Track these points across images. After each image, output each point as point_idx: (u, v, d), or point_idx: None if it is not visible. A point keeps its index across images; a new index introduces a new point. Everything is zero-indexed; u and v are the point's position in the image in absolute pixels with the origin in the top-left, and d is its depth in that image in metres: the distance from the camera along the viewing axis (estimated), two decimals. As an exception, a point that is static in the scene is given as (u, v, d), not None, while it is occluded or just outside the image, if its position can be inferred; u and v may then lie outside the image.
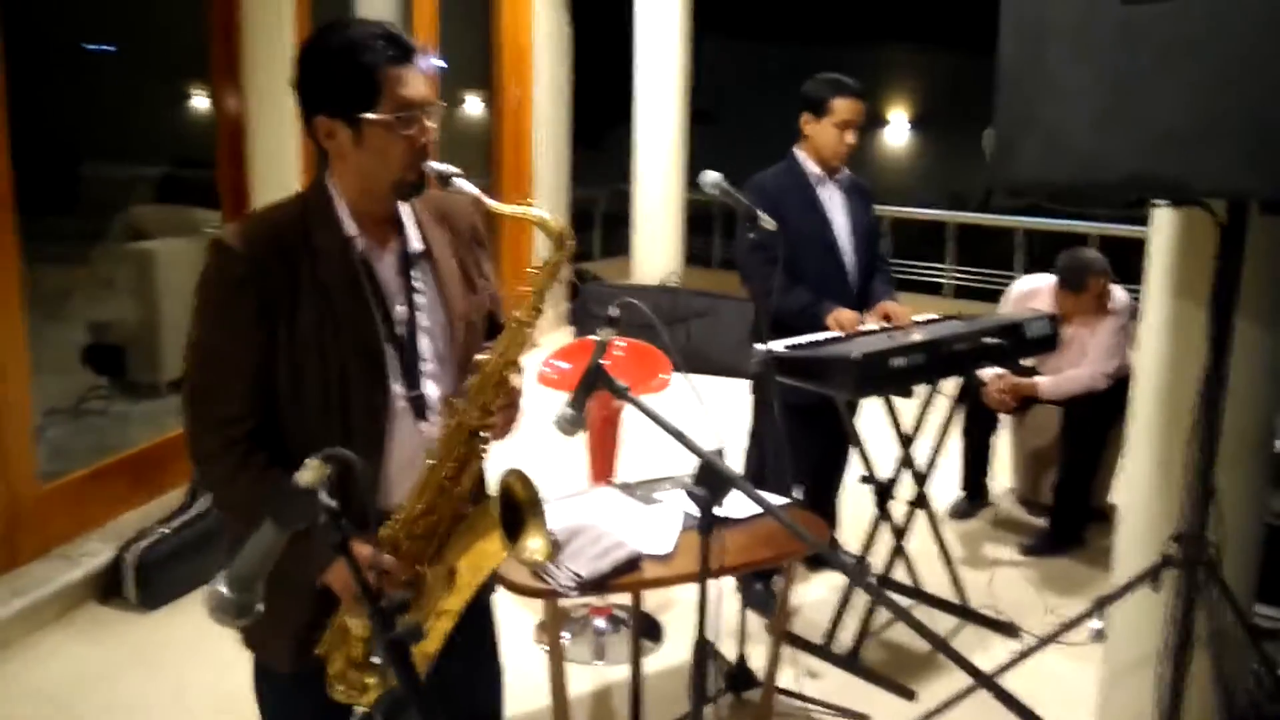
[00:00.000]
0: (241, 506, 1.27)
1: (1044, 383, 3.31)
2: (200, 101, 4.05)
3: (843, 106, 2.65)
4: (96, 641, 2.61)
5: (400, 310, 1.33)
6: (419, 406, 1.34)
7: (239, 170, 3.47)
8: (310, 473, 0.96)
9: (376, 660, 1.24)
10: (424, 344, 1.35)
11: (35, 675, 2.46)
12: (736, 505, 1.80)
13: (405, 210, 1.36)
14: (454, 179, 1.27)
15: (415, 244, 1.35)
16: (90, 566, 2.77)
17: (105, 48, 4.46)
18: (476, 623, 1.43)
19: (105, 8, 4.38)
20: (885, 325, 2.63)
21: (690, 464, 1.43)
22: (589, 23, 6.41)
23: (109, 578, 2.78)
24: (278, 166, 3.47)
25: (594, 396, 1.44)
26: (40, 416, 2.95)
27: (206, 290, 1.28)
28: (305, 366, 1.26)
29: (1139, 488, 2.04)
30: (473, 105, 6.28)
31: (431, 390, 1.35)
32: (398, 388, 1.32)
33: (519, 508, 1.30)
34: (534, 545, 1.29)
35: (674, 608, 2.78)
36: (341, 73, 1.24)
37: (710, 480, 1.40)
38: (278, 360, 1.26)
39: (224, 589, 0.99)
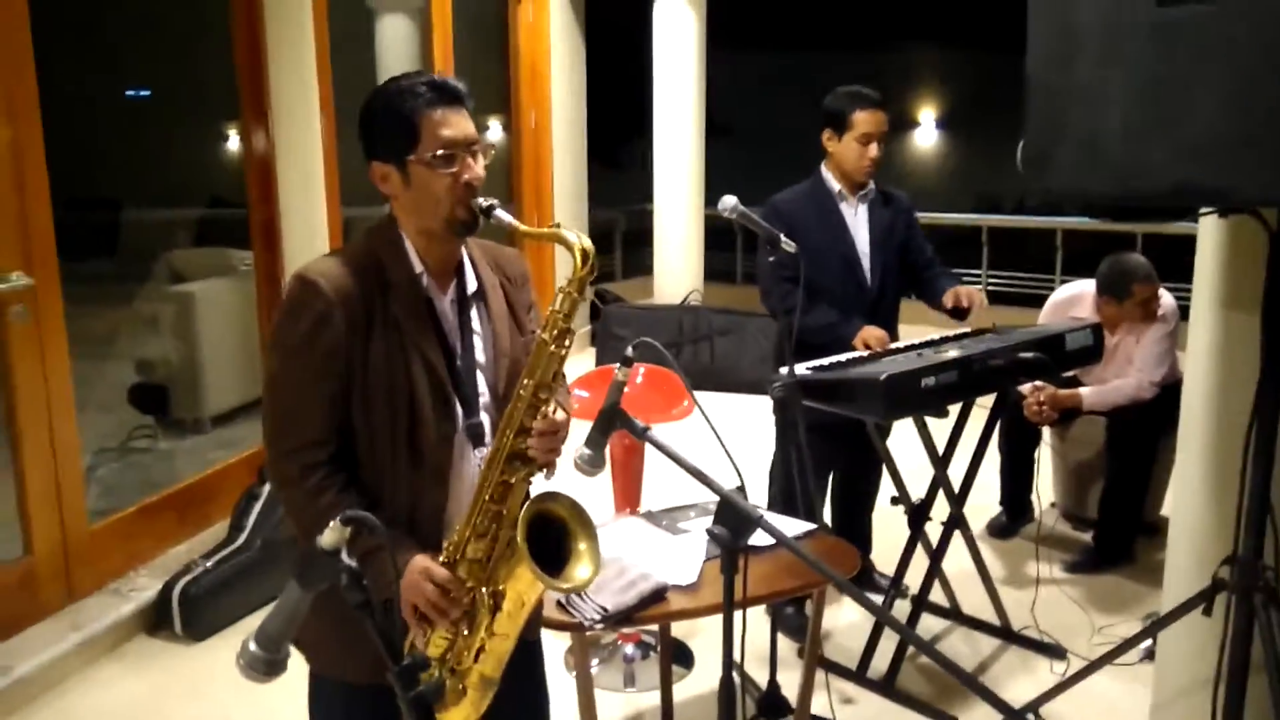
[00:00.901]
0: (317, 530, 1.31)
1: (1087, 393, 3.20)
2: (233, 143, 4.18)
3: (864, 119, 2.61)
4: (146, 672, 2.70)
5: (456, 345, 1.40)
6: (476, 434, 1.41)
7: (269, 208, 3.56)
8: (332, 535, 0.99)
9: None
10: (478, 377, 1.42)
11: (91, 705, 2.54)
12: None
13: (465, 254, 1.44)
14: (495, 210, 1.34)
15: (471, 284, 1.43)
16: (139, 600, 2.86)
17: (141, 93, 4.63)
18: (527, 658, 1.46)
19: (140, 54, 4.54)
20: (919, 342, 2.56)
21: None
22: (602, 40, 6.45)
23: (157, 611, 2.87)
24: (305, 203, 3.56)
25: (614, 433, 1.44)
26: (90, 456, 3.05)
27: (289, 322, 1.34)
28: (376, 396, 1.33)
29: (1191, 505, 1.97)
30: (492, 131, 6.36)
31: (485, 420, 1.42)
32: (458, 416, 1.39)
33: (566, 532, 1.32)
34: (582, 573, 1.30)
35: (703, 633, 2.76)
36: (387, 119, 1.33)
37: (732, 519, 1.38)
38: (352, 390, 1.33)
39: (255, 646, 1.03)
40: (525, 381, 1.31)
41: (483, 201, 1.34)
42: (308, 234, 3.56)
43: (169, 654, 2.79)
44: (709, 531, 1.40)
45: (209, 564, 2.90)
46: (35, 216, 2.67)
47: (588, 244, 1.32)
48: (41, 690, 2.54)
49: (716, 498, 1.35)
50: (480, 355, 1.42)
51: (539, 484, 1.39)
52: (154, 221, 4.49)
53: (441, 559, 1.33)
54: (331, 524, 1.00)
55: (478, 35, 5.63)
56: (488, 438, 1.40)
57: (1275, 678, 1.65)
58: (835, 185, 2.71)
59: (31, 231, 2.66)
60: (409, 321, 1.35)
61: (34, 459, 2.70)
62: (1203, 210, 1.75)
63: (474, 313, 1.42)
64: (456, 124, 1.33)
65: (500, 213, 1.34)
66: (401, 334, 1.34)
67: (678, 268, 6.16)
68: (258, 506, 3.03)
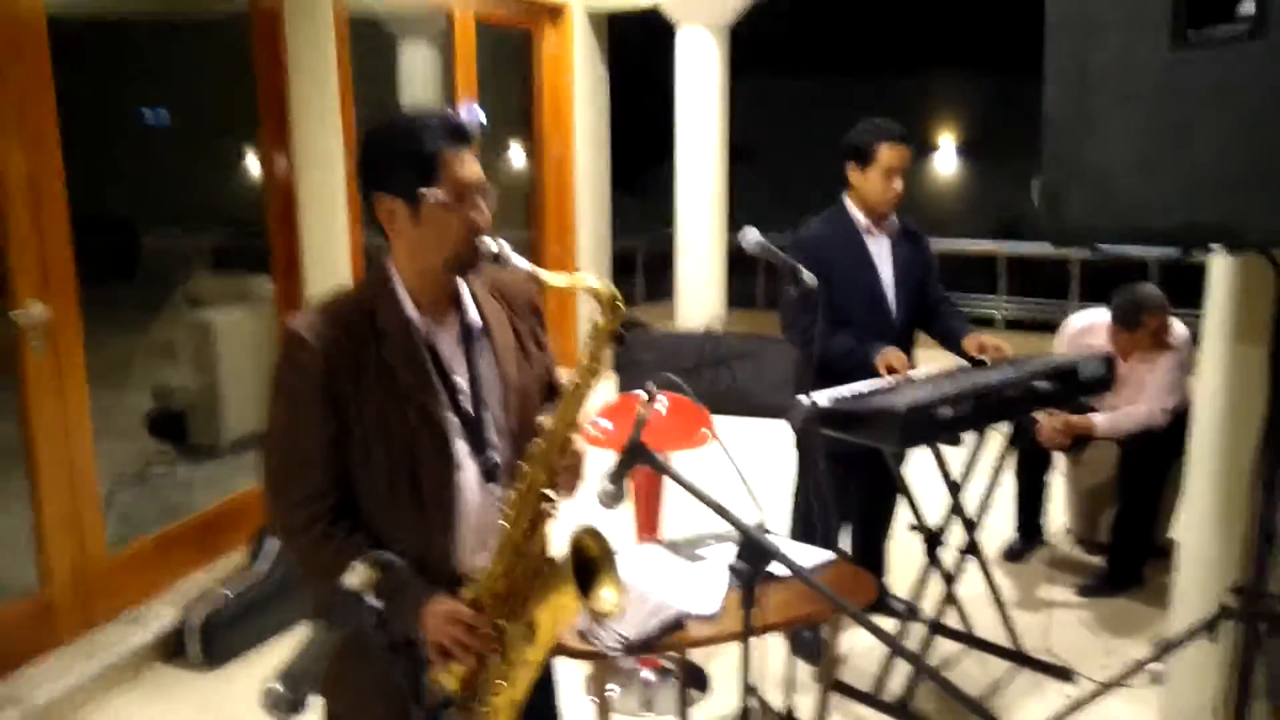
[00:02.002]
0: (328, 576, 1.29)
1: (1100, 420, 3.22)
2: (252, 168, 4.23)
3: (888, 153, 2.62)
4: (164, 701, 2.70)
5: (461, 382, 1.39)
6: (489, 471, 1.40)
7: (290, 235, 3.58)
8: (356, 576, 1.00)
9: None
10: (486, 413, 1.41)
11: (107, 736, 2.55)
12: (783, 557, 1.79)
13: (463, 286, 1.43)
14: (511, 258, 1.33)
15: (473, 318, 1.42)
16: (157, 628, 2.87)
17: (161, 113, 4.68)
18: (541, 685, 1.47)
19: (159, 77, 4.60)
20: (936, 372, 2.58)
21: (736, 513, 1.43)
22: (625, 66, 6.51)
23: (174, 639, 2.88)
24: (327, 230, 3.58)
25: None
26: (107, 484, 3.08)
27: (280, 379, 1.36)
28: (374, 444, 1.33)
29: (1198, 531, 1.98)
30: (515, 156, 6.43)
31: (498, 456, 1.41)
32: (466, 455, 1.39)
33: (593, 562, 1.35)
34: (608, 597, 1.33)
35: (721, 657, 2.76)
36: (403, 153, 1.32)
37: (751, 553, 1.40)
38: (350, 440, 1.33)
39: (279, 686, 1.05)
40: (557, 424, 1.33)
41: (494, 245, 1.32)
42: (328, 261, 3.57)
43: (187, 682, 2.79)
44: (730, 566, 1.42)
45: (229, 593, 2.91)
46: (53, 246, 2.69)
47: (614, 291, 1.33)
48: None
49: (734, 531, 1.37)
50: (486, 390, 1.41)
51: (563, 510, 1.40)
52: (173, 247, 4.53)
53: (470, 597, 1.34)
54: (357, 565, 1.02)
55: (500, 62, 5.69)
56: (502, 472, 1.41)
57: (1276, 699, 1.66)
58: (860, 217, 2.72)
59: (50, 261, 2.68)
60: (403, 369, 1.34)
61: (51, 488, 2.72)
62: (1211, 246, 1.78)
63: (479, 347, 1.41)
64: (471, 166, 1.34)
65: (516, 260, 1.32)
66: (396, 382, 1.33)
67: (700, 292, 6.18)
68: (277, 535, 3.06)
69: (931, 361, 2.71)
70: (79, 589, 2.81)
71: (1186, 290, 3.34)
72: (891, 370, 2.57)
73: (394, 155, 1.33)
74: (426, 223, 1.32)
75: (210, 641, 2.84)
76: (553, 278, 1.35)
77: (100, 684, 2.68)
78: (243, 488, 3.47)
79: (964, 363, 2.69)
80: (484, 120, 5.13)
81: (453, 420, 1.38)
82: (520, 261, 1.33)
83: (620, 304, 1.34)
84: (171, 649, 2.88)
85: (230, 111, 4.21)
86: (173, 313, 4.26)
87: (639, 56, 7.38)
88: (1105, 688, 2.03)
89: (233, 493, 3.44)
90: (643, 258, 8.32)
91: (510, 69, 5.78)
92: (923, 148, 14.92)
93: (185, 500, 3.63)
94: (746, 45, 6.21)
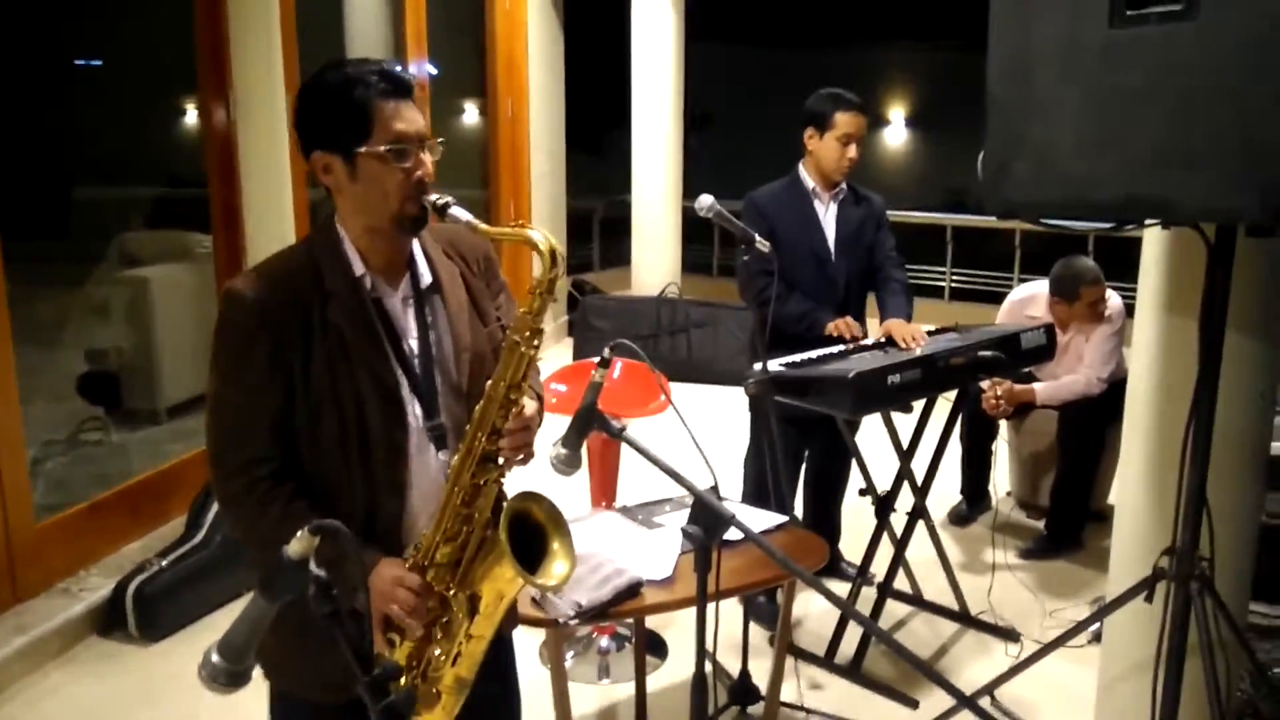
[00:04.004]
0: (269, 543, 1.26)
1: (1040, 389, 3.33)
2: (191, 119, 4.03)
3: (845, 121, 2.69)
4: (99, 676, 2.61)
5: (413, 344, 1.35)
6: (439, 436, 1.36)
7: (230, 190, 3.45)
8: (299, 545, 0.96)
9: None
10: (439, 376, 1.37)
11: (38, 713, 2.45)
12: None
13: (415, 245, 1.38)
14: (450, 208, 1.28)
15: (425, 278, 1.37)
16: (91, 601, 2.77)
17: (93, 63, 4.41)
18: (497, 656, 1.44)
19: (92, 22, 4.33)
20: (885, 339, 2.63)
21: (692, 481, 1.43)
22: (582, 28, 6.40)
23: (109, 611, 2.78)
24: (270, 185, 3.44)
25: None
26: (36, 449, 2.95)
27: (221, 340, 1.30)
28: (322, 408, 1.29)
29: (1133, 497, 2.06)
30: (468, 116, 6.27)
31: (449, 420, 1.37)
32: (416, 419, 1.34)
33: (539, 529, 1.31)
34: (559, 570, 1.30)
35: (677, 624, 2.78)
36: (336, 107, 1.26)
37: (705, 518, 1.40)
38: (296, 403, 1.28)
39: (217, 658, 1.00)
40: (496, 382, 1.28)
41: (437, 198, 1.27)
42: (272, 217, 3.43)
43: (123, 656, 2.70)
44: (684, 530, 1.41)
45: (165, 563, 2.82)
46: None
47: (555, 243, 1.28)
48: (-15, 695, 2.44)
49: (690, 494, 1.36)
50: (438, 352, 1.36)
51: (516, 477, 1.36)
52: (107, 200, 4.29)
53: (409, 564, 1.30)
54: (299, 533, 0.97)
55: (452, 18, 5.52)
56: (450, 438, 1.36)
57: (1209, 661, 1.75)
58: (810, 183, 2.80)
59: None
60: (351, 330, 1.29)
61: (-25, 452, 2.59)
62: (1148, 221, 1.83)
63: (430, 308, 1.37)
64: (409, 117, 1.27)
65: (457, 210, 1.28)
66: (344, 343, 1.28)
67: (656, 259, 6.16)
68: (216, 503, 2.97)
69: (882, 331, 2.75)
70: (5, 559, 2.69)
71: (1122, 264, 3.45)
72: (843, 338, 2.62)
73: (327, 110, 1.27)
74: (364, 178, 1.27)
75: (147, 614, 2.74)
76: (491, 229, 1.30)
77: (31, 658, 2.58)
78: (180, 454, 3.35)
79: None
80: (434, 71, 4.96)
81: (402, 383, 1.33)
82: (459, 212, 1.29)
83: (560, 255, 1.29)
84: (106, 622, 2.78)
85: (169, 60, 3.99)
86: (107, 270, 4.05)
87: (598, 19, 7.25)
88: (1047, 648, 2.10)
89: (170, 459, 3.32)
90: (599, 223, 8.24)
91: (462, 25, 5.61)
92: (874, 121, 15.03)
93: (120, 467, 3.49)
94: (702, 11, 6.14)
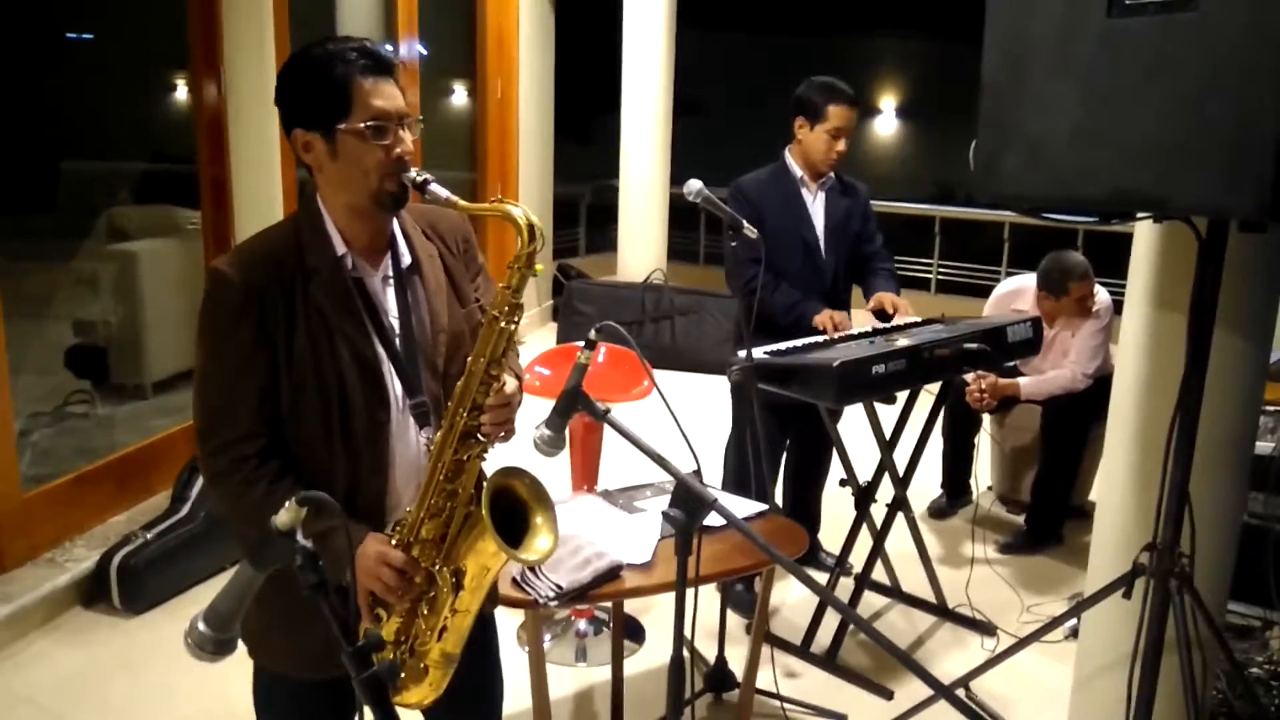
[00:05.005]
0: (254, 520, 1.28)
1: (1025, 383, 3.34)
2: (181, 94, 4.00)
3: (837, 113, 2.66)
4: (82, 646, 2.63)
5: (394, 323, 1.36)
6: (421, 414, 1.37)
7: (220, 166, 3.43)
8: (287, 515, 0.97)
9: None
10: (418, 354, 1.38)
11: (22, 681, 2.47)
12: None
13: (395, 226, 1.38)
14: (429, 184, 1.29)
15: (405, 259, 1.38)
16: (75, 572, 2.78)
17: (84, 36, 4.37)
18: (482, 633, 1.45)
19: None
20: (876, 327, 2.64)
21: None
22: (573, 12, 6.36)
23: (93, 583, 2.79)
24: (259, 161, 3.43)
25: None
26: (22, 421, 2.94)
27: (206, 319, 1.31)
28: (304, 385, 1.29)
29: (1116, 493, 2.06)
30: (457, 97, 6.23)
31: (429, 397, 1.38)
32: (398, 397, 1.36)
33: (524, 506, 1.32)
34: (542, 544, 1.31)
35: (655, 609, 2.81)
36: (315, 85, 1.27)
37: (687, 502, 1.41)
38: (280, 381, 1.29)
39: (204, 626, 1.01)
40: (476, 358, 1.30)
41: (416, 175, 1.28)
42: (261, 193, 3.43)
43: (106, 627, 2.72)
44: (664, 514, 1.42)
45: (149, 535, 2.83)
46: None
47: (533, 218, 1.29)
48: (-31, 663, 2.46)
49: (672, 481, 1.37)
50: (418, 332, 1.37)
51: (499, 454, 1.38)
52: (96, 174, 4.26)
53: (394, 541, 1.31)
54: (287, 504, 0.98)
55: (444, -1, 5.47)
56: (431, 417, 1.38)
57: (1186, 657, 1.76)
58: (798, 171, 2.78)
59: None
60: (333, 309, 1.30)
61: (-38, 423, 2.59)
62: (1139, 215, 1.83)
63: (410, 288, 1.37)
64: (389, 95, 1.28)
65: (436, 187, 1.28)
66: (326, 322, 1.30)
67: (642, 245, 6.15)
68: (202, 478, 2.98)
69: (868, 321, 2.76)
70: (-9, 529, 2.70)
71: (1112, 260, 3.46)
72: (830, 327, 2.62)
73: (307, 87, 1.28)
74: (344, 156, 1.28)
75: (131, 586, 2.76)
76: (470, 205, 1.31)
77: (16, 627, 2.59)
78: (166, 428, 3.35)
79: (900, 320, 2.76)
80: (424, 51, 4.92)
81: (384, 361, 1.34)
82: (438, 189, 1.29)
83: (539, 230, 1.30)
84: (91, 593, 2.79)
85: (160, 34, 3.95)
86: (95, 244, 4.03)
87: (589, 4, 7.20)
88: (1024, 642, 2.12)
89: (156, 433, 3.33)
90: (586, 208, 8.21)
91: (452, 5, 5.57)
92: (865, 110, 15.00)
93: (106, 440, 3.50)
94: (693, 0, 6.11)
